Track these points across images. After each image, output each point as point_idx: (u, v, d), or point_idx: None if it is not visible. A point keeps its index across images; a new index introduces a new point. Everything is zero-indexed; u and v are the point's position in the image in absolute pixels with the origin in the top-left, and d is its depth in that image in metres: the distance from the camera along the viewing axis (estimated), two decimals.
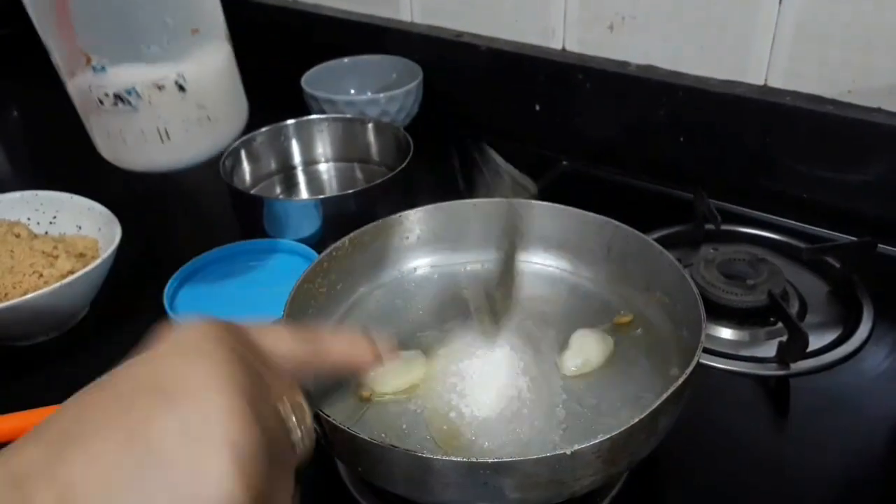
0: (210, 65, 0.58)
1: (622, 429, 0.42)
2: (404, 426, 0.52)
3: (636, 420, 0.43)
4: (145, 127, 0.58)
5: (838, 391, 0.59)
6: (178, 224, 0.93)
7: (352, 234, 0.61)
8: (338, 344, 0.38)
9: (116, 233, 0.73)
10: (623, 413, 0.51)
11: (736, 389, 0.60)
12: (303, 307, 0.57)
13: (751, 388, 0.60)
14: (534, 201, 0.66)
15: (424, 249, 0.66)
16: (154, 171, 0.62)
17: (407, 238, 0.65)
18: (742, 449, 0.55)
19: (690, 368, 0.46)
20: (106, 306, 0.73)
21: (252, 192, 0.90)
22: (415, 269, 0.66)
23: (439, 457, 0.42)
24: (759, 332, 0.66)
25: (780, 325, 0.65)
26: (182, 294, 0.74)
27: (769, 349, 0.63)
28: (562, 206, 0.64)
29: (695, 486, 0.53)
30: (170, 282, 0.73)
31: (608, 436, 0.42)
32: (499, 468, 0.41)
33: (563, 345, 0.57)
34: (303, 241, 0.78)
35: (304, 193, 0.93)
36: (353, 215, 0.74)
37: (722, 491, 0.52)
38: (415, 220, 0.64)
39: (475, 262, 0.66)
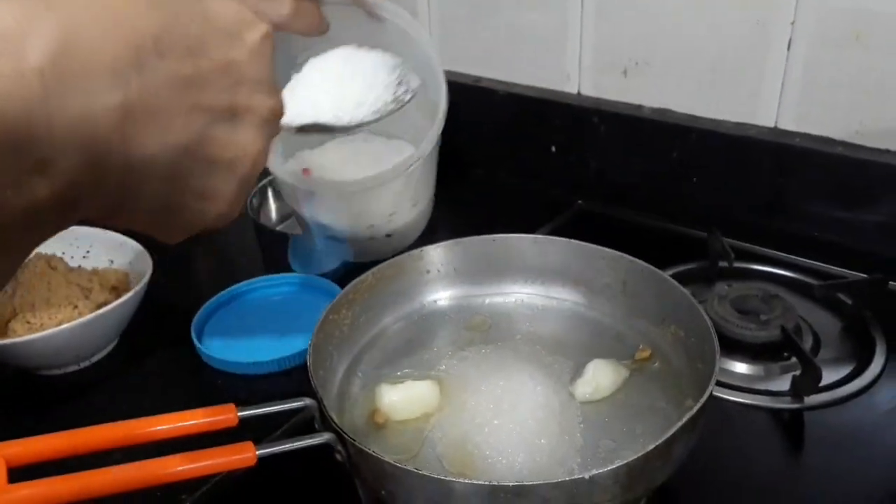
0: None
1: (638, 455, 0.43)
2: (416, 451, 0.53)
3: (652, 447, 0.44)
4: None
5: (852, 425, 0.59)
6: (205, 258, 0.94)
7: (375, 269, 0.64)
8: None
9: (147, 266, 0.75)
10: (640, 442, 0.52)
11: (751, 422, 0.61)
12: (328, 337, 0.59)
13: (765, 421, 0.61)
14: (550, 237, 0.69)
15: (444, 283, 0.68)
16: None
17: (428, 272, 0.67)
18: (757, 481, 0.55)
19: (704, 397, 0.47)
20: (135, 337, 0.74)
21: (278, 228, 0.93)
22: (435, 301, 0.68)
23: (461, 480, 0.43)
24: (773, 366, 0.66)
25: (793, 359, 0.65)
26: (209, 326, 0.76)
27: (783, 383, 0.64)
28: (577, 242, 0.65)
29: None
30: (198, 314, 0.75)
31: (625, 461, 0.43)
32: (519, 491, 0.42)
33: (578, 374, 0.59)
34: (326, 276, 0.80)
35: None
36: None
37: None
38: (435, 255, 0.66)
39: (493, 294, 0.68)
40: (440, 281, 0.67)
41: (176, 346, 0.73)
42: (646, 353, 0.61)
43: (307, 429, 0.50)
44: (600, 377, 0.58)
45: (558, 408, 0.57)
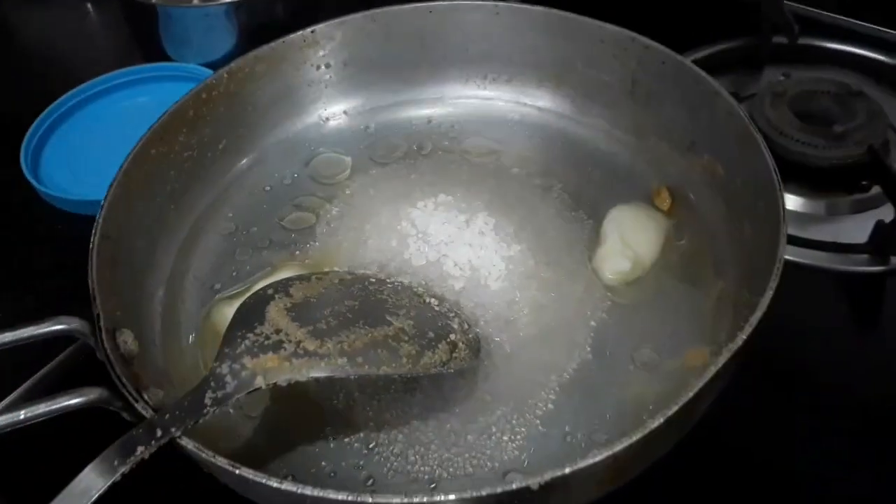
0: None
1: (625, 444, 0.26)
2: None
3: (637, 436, 0.27)
4: None
5: None
6: (45, 46, 0.77)
7: (232, 65, 0.46)
8: None
9: None
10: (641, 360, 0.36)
11: (806, 289, 0.46)
12: (151, 184, 0.41)
13: (829, 288, 0.47)
14: (521, 5, 0.51)
15: (345, 85, 0.50)
16: None
17: (317, 67, 0.48)
18: (818, 368, 0.43)
19: (747, 332, 0.29)
20: None
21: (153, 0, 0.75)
22: (327, 119, 0.50)
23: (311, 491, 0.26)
24: (842, 201, 0.51)
25: (874, 191, 0.51)
26: (50, 146, 0.62)
27: (858, 229, 0.48)
28: (564, 14, 0.48)
29: (751, 412, 0.40)
30: (31, 129, 0.61)
31: (605, 454, 0.26)
32: None
33: (583, 229, 0.43)
34: (213, 65, 0.65)
35: None
36: (280, 27, 0.56)
37: (785, 419, 0.41)
38: (331, 39, 0.48)
39: (426, 101, 0.51)
40: (339, 82, 0.49)
41: (1, 173, 0.59)
42: (664, 199, 0.44)
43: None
44: (634, 241, 0.41)
45: (557, 286, 0.40)
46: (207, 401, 0.29)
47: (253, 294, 0.34)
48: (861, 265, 0.47)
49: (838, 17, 0.64)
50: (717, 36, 0.62)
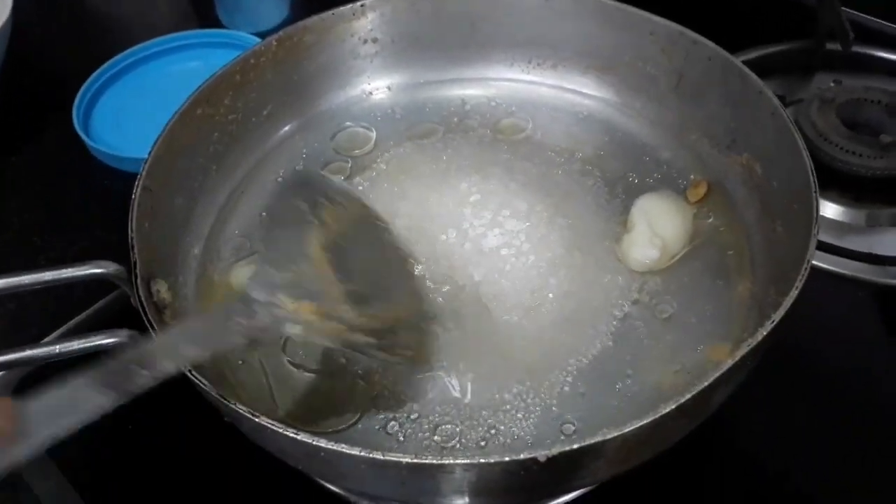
0: None
1: (628, 428, 0.26)
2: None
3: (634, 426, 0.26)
4: None
5: None
6: (108, 10, 0.76)
7: (282, 33, 0.44)
8: None
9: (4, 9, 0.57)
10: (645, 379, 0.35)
11: (838, 298, 0.45)
12: (194, 143, 0.40)
13: (864, 299, 0.45)
14: None
15: (389, 61, 0.49)
16: None
17: (364, 41, 0.47)
18: (843, 379, 0.41)
19: (769, 327, 0.28)
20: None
21: None
22: (370, 92, 0.49)
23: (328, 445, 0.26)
24: (884, 213, 0.49)
25: None
26: (101, 104, 0.61)
27: (892, 241, 0.47)
28: (616, 4, 0.46)
29: (778, 422, 0.40)
30: (83, 87, 0.60)
31: (593, 441, 0.26)
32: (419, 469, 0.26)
33: (617, 218, 0.41)
34: (264, 34, 0.62)
35: None
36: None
37: (812, 432, 0.39)
38: (377, 15, 0.47)
39: (469, 80, 0.50)
40: (385, 57, 0.48)
41: (54, 127, 0.59)
42: (697, 192, 0.42)
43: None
44: (662, 229, 0.39)
45: (582, 273, 0.39)
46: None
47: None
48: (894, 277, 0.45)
49: (892, 25, 0.61)
50: (772, 37, 0.60)
